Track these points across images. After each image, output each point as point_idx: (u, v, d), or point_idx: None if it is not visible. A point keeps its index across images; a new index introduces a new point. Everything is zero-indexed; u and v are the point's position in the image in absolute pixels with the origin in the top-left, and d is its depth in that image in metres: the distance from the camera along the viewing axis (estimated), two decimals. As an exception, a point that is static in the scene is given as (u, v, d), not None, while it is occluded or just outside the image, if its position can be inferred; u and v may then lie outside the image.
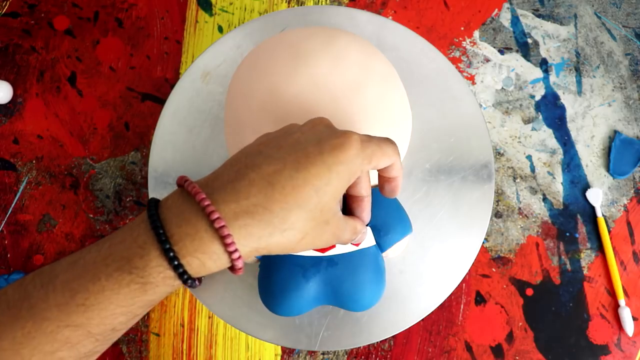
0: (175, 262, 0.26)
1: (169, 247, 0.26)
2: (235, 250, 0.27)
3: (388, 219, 0.39)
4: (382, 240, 0.39)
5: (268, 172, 0.27)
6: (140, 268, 0.26)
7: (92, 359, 0.29)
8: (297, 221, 0.27)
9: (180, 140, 0.45)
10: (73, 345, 0.27)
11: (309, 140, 0.29)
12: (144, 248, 0.26)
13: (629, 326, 0.52)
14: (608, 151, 0.56)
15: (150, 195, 0.44)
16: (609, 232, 0.55)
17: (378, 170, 0.33)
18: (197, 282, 0.28)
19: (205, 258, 0.27)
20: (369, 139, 0.30)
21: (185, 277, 0.27)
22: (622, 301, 0.53)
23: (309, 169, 0.27)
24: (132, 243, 0.27)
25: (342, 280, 0.38)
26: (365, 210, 0.35)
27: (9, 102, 0.57)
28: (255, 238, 0.27)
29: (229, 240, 0.26)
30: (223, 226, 0.26)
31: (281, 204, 0.27)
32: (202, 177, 0.29)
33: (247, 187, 0.27)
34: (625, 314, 0.52)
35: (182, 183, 0.28)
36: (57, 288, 0.27)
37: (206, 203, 0.26)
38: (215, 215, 0.26)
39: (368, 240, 0.39)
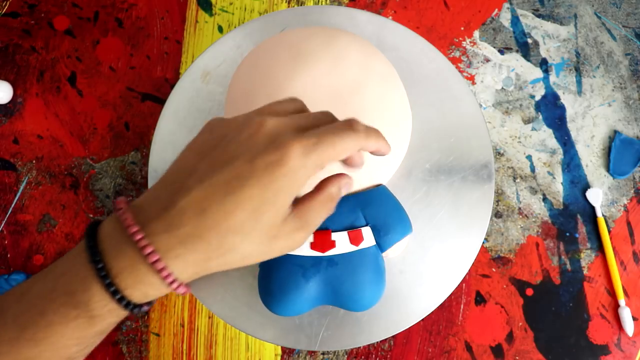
0: (118, 296, 0.26)
1: (109, 282, 0.26)
2: (174, 280, 0.27)
3: (388, 219, 0.39)
4: (382, 240, 0.39)
5: (199, 198, 0.26)
6: (85, 302, 0.26)
7: None
8: (235, 244, 0.27)
9: (180, 140, 0.45)
10: None
11: (243, 154, 0.27)
12: (85, 283, 0.26)
13: (629, 326, 0.52)
14: (608, 151, 0.56)
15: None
16: (609, 232, 0.55)
17: None
18: (145, 306, 0.28)
19: (147, 288, 0.27)
20: (316, 141, 0.27)
21: (131, 306, 0.27)
22: (622, 301, 0.53)
23: (241, 192, 0.26)
24: (73, 277, 0.27)
25: (342, 280, 0.38)
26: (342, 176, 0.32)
27: (9, 102, 0.57)
28: (192, 265, 0.27)
29: (164, 273, 0.26)
30: (157, 260, 0.26)
31: (214, 231, 0.26)
32: (142, 197, 0.29)
33: (179, 217, 0.26)
34: (625, 314, 0.52)
35: (118, 211, 0.28)
36: (7, 322, 0.27)
37: (138, 237, 0.26)
38: (149, 250, 0.26)
39: (368, 240, 0.39)
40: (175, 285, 0.27)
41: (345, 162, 0.31)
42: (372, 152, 0.31)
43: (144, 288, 0.27)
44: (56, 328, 0.26)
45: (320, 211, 0.30)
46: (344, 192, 0.31)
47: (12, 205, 0.56)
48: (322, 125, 0.29)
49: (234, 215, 0.26)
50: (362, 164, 0.32)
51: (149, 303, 0.28)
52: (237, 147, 0.27)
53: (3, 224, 0.56)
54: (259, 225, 0.27)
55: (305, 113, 0.30)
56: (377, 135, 0.30)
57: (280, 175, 0.26)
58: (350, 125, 0.29)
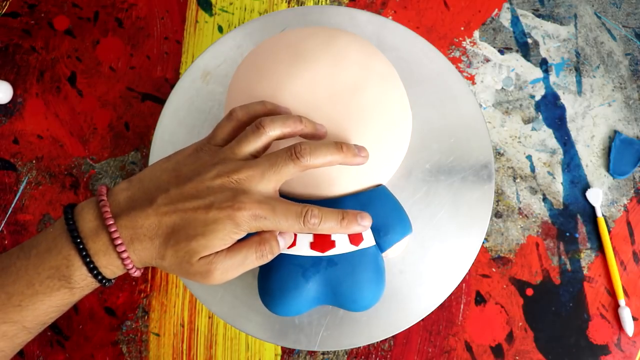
0: (96, 272, 0.32)
1: (89, 261, 0.32)
2: (132, 267, 0.33)
3: (388, 219, 0.39)
4: (382, 241, 0.39)
5: (160, 214, 0.32)
6: (68, 276, 0.32)
7: (22, 346, 0.35)
8: (171, 262, 0.33)
9: (180, 139, 0.45)
10: (10, 338, 0.33)
11: (205, 198, 0.32)
12: (69, 259, 0.32)
13: (629, 326, 0.52)
14: (608, 151, 0.56)
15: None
16: (609, 232, 0.55)
17: None
18: (112, 280, 0.34)
19: (114, 268, 0.33)
20: (268, 214, 0.32)
21: (104, 281, 0.33)
22: (622, 301, 0.53)
23: (188, 228, 0.32)
24: (57, 254, 0.32)
25: (342, 280, 0.38)
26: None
27: (9, 102, 0.57)
28: (144, 259, 0.33)
29: (127, 261, 0.33)
30: (123, 250, 0.32)
31: (159, 242, 0.32)
32: (120, 188, 0.34)
33: (141, 221, 0.32)
34: (625, 314, 0.52)
35: (98, 200, 0.33)
36: None
37: (112, 229, 0.32)
38: (118, 241, 0.32)
39: (368, 240, 0.39)
40: (132, 271, 0.33)
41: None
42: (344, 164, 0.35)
43: (112, 268, 0.33)
44: (40, 297, 0.32)
45: (230, 272, 0.34)
46: (261, 262, 0.35)
47: (12, 205, 0.56)
48: (284, 164, 0.33)
49: (176, 241, 0.32)
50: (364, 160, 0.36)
51: (115, 278, 0.35)
52: (204, 189, 0.32)
53: (3, 224, 0.56)
54: (185, 258, 0.32)
55: (273, 156, 0.34)
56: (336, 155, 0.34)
57: (224, 230, 0.32)
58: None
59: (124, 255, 0.32)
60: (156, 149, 0.45)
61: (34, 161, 0.56)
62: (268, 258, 0.35)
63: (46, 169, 0.56)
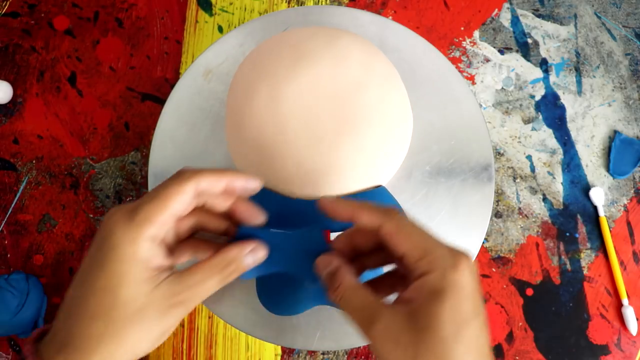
0: None
1: None
2: None
3: None
4: None
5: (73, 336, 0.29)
6: None
7: None
8: None
9: (180, 137, 0.45)
10: None
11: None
12: None
13: (632, 325, 0.52)
14: (608, 151, 0.56)
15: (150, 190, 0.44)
16: (609, 232, 0.55)
17: None
18: None
19: None
20: None
21: None
22: (625, 300, 0.53)
23: None
24: None
25: None
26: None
27: (9, 102, 0.57)
28: None
29: None
30: None
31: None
32: (53, 325, 0.30)
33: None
34: (629, 313, 0.52)
35: (27, 354, 0.29)
36: None
37: None
38: None
39: None
40: None
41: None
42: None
43: None
44: None
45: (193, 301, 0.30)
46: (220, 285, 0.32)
47: (12, 205, 0.56)
48: None
49: None
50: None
51: None
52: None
53: (3, 224, 0.56)
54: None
55: None
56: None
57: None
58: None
59: None
60: (156, 147, 0.45)
61: (34, 161, 0.56)
62: (232, 279, 0.32)
63: (46, 169, 0.56)
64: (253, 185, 0.33)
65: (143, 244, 0.28)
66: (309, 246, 0.36)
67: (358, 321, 0.28)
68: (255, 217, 0.34)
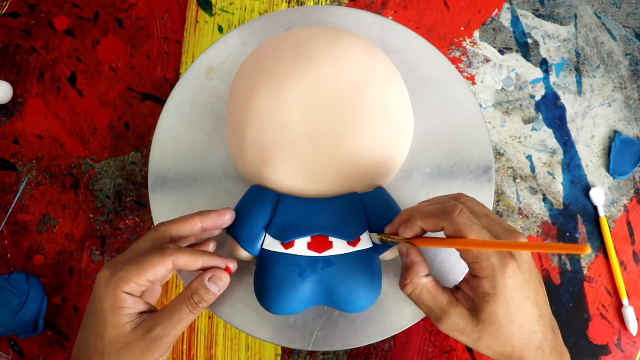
0: None
1: None
2: None
3: (386, 222, 0.39)
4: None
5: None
6: None
7: None
8: None
9: (181, 135, 0.45)
10: None
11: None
12: None
13: (632, 325, 0.52)
14: (608, 151, 0.56)
15: (150, 190, 0.44)
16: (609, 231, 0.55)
17: None
18: None
19: None
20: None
21: None
22: (625, 300, 0.53)
23: None
24: None
25: (338, 281, 0.38)
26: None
27: (9, 102, 0.57)
28: None
29: None
30: None
31: None
32: None
33: None
34: (629, 313, 0.52)
35: None
36: None
37: None
38: None
39: (365, 242, 0.39)
40: None
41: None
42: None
43: None
44: None
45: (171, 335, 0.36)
46: (196, 313, 0.36)
47: (12, 205, 0.56)
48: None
49: None
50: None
51: None
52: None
53: (3, 224, 0.56)
54: None
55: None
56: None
57: None
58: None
59: None
60: (157, 144, 0.45)
61: (34, 161, 0.56)
62: (201, 307, 0.36)
63: (46, 169, 0.56)
64: (231, 266, 0.38)
65: (122, 295, 0.34)
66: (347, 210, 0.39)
67: (428, 314, 0.35)
68: (221, 223, 0.39)
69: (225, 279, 0.37)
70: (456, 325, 0.34)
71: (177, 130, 0.45)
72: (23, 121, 0.57)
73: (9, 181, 0.56)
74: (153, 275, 0.35)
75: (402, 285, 0.36)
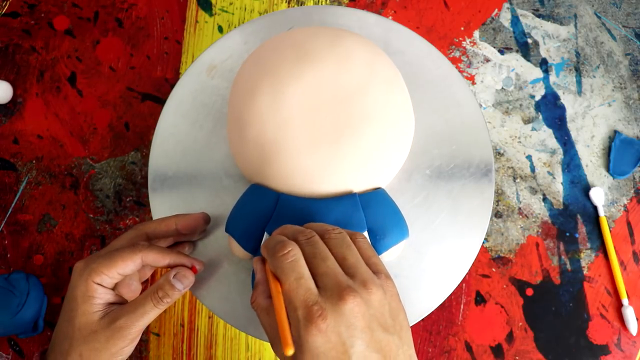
0: None
1: None
2: None
3: (385, 223, 0.38)
4: (378, 244, 0.39)
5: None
6: None
7: None
8: None
9: (182, 133, 0.45)
10: None
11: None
12: None
13: (632, 325, 0.52)
14: (608, 151, 0.56)
15: (150, 188, 0.44)
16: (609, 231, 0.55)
17: None
18: None
19: None
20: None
21: None
22: (625, 300, 0.53)
23: None
24: None
25: None
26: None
27: (9, 102, 0.57)
28: None
29: None
30: None
31: None
32: None
33: None
34: (629, 313, 0.52)
35: None
36: None
37: None
38: None
39: None
40: None
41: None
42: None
43: None
44: None
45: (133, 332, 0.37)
46: (161, 307, 0.38)
47: (12, 205, 0.56)
48: None
49: None
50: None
51: None
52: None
53: (3, 224, 0.56)
54: None
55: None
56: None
57: None
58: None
59: None
60: (158, 142, 0.45)
61: (34, 161, 0.56)
62: (166, 302, 0.37)
63: (46, 169, 0.56)
64: (197, 266, 0.39)
65: (93, 285, 0.36)
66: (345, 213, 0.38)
67: (267, 335, 0.33)
68: (195, 226, 0.40)
69: (190, 277, 0.38)
70: (281, 354, 0.31)
71: (178, 128, 0.45)
72: (23, 121, 0.57)
73: (9, 181, 0.56)
74: (123, 269, 0.37)
75: (251, 302, 0.35)
